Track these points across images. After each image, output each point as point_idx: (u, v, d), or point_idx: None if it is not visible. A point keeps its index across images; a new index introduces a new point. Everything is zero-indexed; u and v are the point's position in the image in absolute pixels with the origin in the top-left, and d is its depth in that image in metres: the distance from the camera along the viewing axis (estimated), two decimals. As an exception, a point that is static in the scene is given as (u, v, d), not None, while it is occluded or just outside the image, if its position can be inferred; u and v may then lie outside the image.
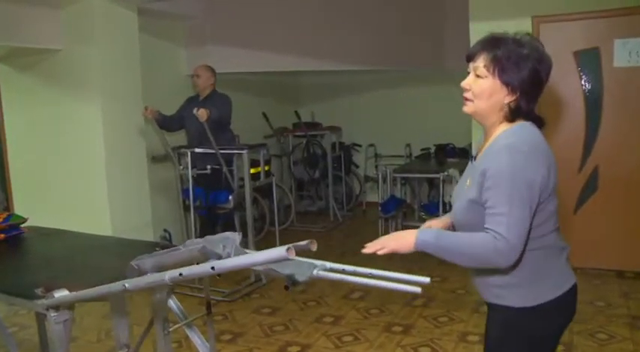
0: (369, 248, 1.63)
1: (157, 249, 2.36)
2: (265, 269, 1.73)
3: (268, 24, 5.70)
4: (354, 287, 4.36)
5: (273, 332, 3.74)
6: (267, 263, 1.44)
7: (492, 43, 1.61)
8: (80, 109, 4.52)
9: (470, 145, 5.73)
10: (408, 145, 7.10)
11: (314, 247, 1.32)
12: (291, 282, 1.65)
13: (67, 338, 1.82)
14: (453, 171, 5.19)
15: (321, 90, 8.02)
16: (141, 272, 1.73)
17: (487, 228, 1.52)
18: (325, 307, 4.14)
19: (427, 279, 1.43)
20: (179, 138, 5.04)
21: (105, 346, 3.55)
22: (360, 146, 7.61)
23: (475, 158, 1.73)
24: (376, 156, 7.53)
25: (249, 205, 4.56)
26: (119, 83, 4.56)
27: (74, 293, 1.71)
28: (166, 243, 4.17)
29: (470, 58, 1.65)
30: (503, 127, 1.64)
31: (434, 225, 1.81)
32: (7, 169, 5.10)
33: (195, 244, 1.62)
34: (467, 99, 1.66)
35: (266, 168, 4.95)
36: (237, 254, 1.61)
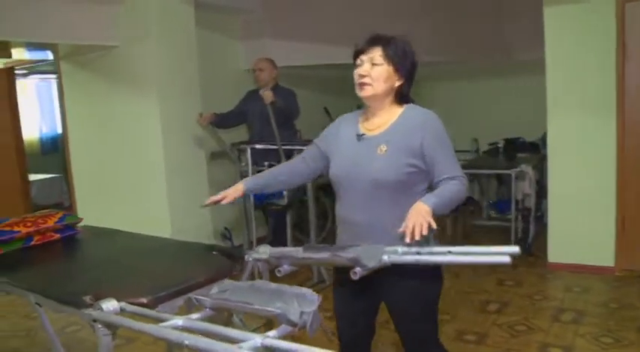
0: (409, 235, 1.71)
1: (214, 252, 2.21)
2: (330, 257, 1.70)
3: (328, 15, 5.48)
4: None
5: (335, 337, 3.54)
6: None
7: (384, 38, 1.98)
8: (137, 106, 4.45)
9: (542, 138, 5.38)
10: (475, 140, 6.74)
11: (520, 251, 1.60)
12: (359, 268, 1.60)
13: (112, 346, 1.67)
14: (525, 167, 4.85)
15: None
16: (198, 308, 1.57)
17: (449, 177, 1.92)
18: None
19: (516, 248, 1.59)
20: (235, 135, 4.91)
21: (160, 347, 3.43)
22: (424, 140, 7.29)
23: (362, 135, 2.02)
24: (441, 151, 7.20)
25: (312, 202, 4.39)
26: (176, 79, 4.45)
27: (121, 319, 1.55)
28: (223, 247, 4.05)
29: (361, 52, 1.99)
30: (399, 107, 2.03)
31: None
32: (70, 165, 5.11)
33: (242, 294, 1.48)
34: (365, 83, 1.96)
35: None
36: (313, 321, 1.37)
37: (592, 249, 4.39)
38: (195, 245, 2.47)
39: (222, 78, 5.33)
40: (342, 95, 7.32)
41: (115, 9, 4.40)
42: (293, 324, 1.37)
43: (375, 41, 1.98)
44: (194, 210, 4.57)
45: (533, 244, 4.99)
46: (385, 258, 1.66)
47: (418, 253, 1.69)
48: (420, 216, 1.74)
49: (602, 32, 4.15)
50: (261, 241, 5.11)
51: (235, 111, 4.64)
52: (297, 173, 2.23)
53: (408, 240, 1.70)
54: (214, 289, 1.60)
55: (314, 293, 1.45)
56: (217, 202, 2.08)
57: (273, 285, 1.50)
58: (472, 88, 7.04)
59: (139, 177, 4.54)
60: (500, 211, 5.56)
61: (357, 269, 1.60)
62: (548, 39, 4.33)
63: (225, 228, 5.35)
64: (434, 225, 1.75)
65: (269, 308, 1.40)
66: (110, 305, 1.60)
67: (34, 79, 8.65)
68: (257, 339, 1.24)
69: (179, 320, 1.42)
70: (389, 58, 1.95)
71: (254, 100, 4.47)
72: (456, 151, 6.49)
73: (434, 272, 2.03)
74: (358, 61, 2.00)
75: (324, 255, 1.70)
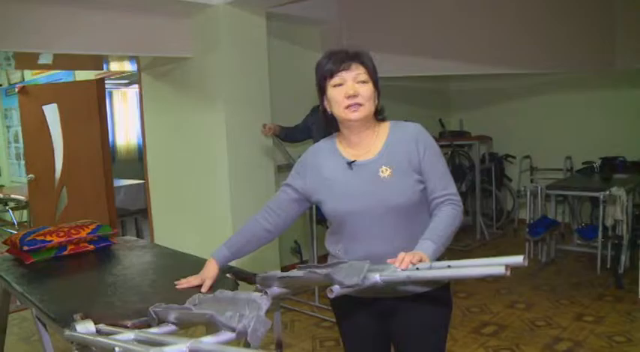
0: (399, 264, 1.54)
1: (228, 275, 2.12)
2: (306, 274, 1.55)
3: (410, 25, 5.28)
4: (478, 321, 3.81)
5: None
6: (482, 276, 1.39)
7: (360, 54, 1.80)
8: (206, 115, 4.49)
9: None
10: (569, 158, 6.28)
11: (526, 263, 1.33)
12: (337, 286, 1.46)
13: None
14: (616, 190, 4.38)
15: (472, 97, 7.42)
16: (160, 320, 1.52)
17: (440, 195, 1.78)
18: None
19: (520, 258, 1.35)
20: (303, 149, 4.82)
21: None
22: (514, 157, 6.88)
23: (354, 162, 1.82)
24: (532, 169, 6.76)
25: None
26: (245, 91, 4.44)
27: (92, 340, 1.48)
28: (239, 269, 4.00)
29: (337, 71, 1.77)
30: (382, 125, 1.88)
31: None
32: (147, 174, 5.26)
33: (205, 306, 1.39)
34: (359, 104, 1.77)
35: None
36: (257, 326, 1.27)
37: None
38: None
39: (299, 89, 5.27)
40: (427, 108, 7.11)
41: (190, 21, 4.48)
42: (231, 329, 1.29)
43: (355, 57, 1.79)
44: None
45: (626, 276, 4.50)
46: (377, 276, 1.49)
47: (417, 269, 1.51)
48: (414, 255, 1.56)
49: None
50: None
51: (301, 126, 4.56)
52: (262, 235, 1.95)
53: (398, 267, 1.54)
54: (186, 303, 1.54)
55: (263, 297, 1.38)
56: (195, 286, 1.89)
57: (230, 293, 1.46)
58: (568, 101, 6.53)
59: (206, 186, 4.57)
60: (586, 237, 5.07)
61: (335, 287, 1.44)
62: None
63: (295, 242, 5.29)
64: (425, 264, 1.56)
65: (200, 312, 1.36)
66: (84, 327, 1.54)
67: (135, 88, 9.12)
68: (181, 345, 1.19)
69: (131, 334, 1.39)
70: (371, 74, 1.80)
71: (318, 115, 4.36)
72: (546, 169, 6.18)
73: (446, 297, 1.90)
74: (337, 80, 1.78)
75: (298, 273, 1.55)
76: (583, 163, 5.97)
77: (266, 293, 1.66)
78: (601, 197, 4.52)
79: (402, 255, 1.55)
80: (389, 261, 1.55)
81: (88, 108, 5.80)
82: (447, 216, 1.76)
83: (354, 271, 1.47)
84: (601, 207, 4.56)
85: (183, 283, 1.91)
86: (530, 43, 5.34)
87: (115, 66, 6.51)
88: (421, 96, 6.99)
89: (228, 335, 1.29)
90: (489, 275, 1.37)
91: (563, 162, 6.25)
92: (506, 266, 1.28)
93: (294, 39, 5.34)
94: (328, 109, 1.86)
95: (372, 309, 1.89)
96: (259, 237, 1.96)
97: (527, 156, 6.76)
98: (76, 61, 5.56)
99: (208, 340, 1.27)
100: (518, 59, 5.46)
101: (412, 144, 1.80)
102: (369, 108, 1.79)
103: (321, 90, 1.86)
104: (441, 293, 1.86)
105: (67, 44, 3.99)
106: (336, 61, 1.78)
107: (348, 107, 1.77)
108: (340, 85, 1.78)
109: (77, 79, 7.40)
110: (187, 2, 4.15)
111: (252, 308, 1.31)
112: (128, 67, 5.89)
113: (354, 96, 1.76)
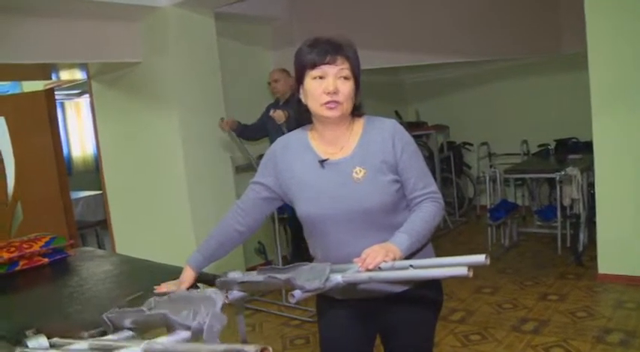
0: (362, 264, 1.49)
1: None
2: (266, 279, 1.48)
3: (360, 19, 5.29)
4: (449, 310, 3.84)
5: None
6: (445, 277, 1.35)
7: (345, 46, 1.68)
8: (159, 120, 4.43)
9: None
10: (525, 142, 6.38)
11: (488, 261, 1.32)
12: (298, 291, 1.39)
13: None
14: (571, 170, 4.47)
15: (426, 88, 7.50)
16: (115, 327, 1.47)
17: (421, 194, 1.73)
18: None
19: (482, 257, 1.32)
20: (262, 147, 4.79)
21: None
22: (471, 145, 6.97)
23: (326, 160, 1.74)
24: (489, 155, 6.86)
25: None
26: (198, 93, 4.39)
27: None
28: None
29: (320, 63, 1.65)
30: (356, 121, 1.77)
31: None
32: (105, 185, 5.15)
33: (161, 307, 1.35)
34: (337, 102, 1.66)
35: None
36: (212, 322, 1.24)
37: (648, 259, 3.98)
38: (177, 270, 2.33)
39: (252, 88, 5.24)
40: (382, 101, 7.14)
41: (137, 25, 4.40)
42: (186, 327, 1.25)
43: (341, 50, 1.67)
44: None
45: (585, 254, 4.60)
46: (339, 277, 1.46)
47: (379, 268, 1.48)
48: (382, 250, 1.51)
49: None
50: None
51: (257, 124, 4.53)
52: (234, 236, 1.87)
53: (361, 268, 1.48)
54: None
55: (218, 292, 1.35)
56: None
57: (185, 293, 1.45)
58: (520, 87, 6.64)
59: (164, 192, 4.51)
60: (545, 218, 5.17)
61: (296, 292, 1.39)
62: (589, 28, 3.98)
63: (259, 242, 5.24)
64: (396, 261, 1.51)
65: (154, 312, 1.34)
66: (37, 342, 1.48)
67: (88, 97, 8.92)
68: (135, 347, 1.17)
69: (85, 344, 1.34)
70: (354, 70, 1.69)
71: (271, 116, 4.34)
72: (504, 154, 6.23)
73: (435, 291, 1.84)
74: (318, 72, 1.65)
75: (258, 278, 1.52)
76: (538, 146, 6.09)
77: (227, 295, 1.63)
78: (557, 178, 4.61)
79: (367, 251, 1.50)
80: (355, 259, 1.51)
81: (39, 120, 5.66)
82: (427, 212, 1.71)
83: (315, 274, 1.44)
84: (558, 188, 4.66)
85: (162, 287, 1.85)
86: (478, 32, 5.43)
87: (65, 75, 6.35)
88: (376, 89, 7.00)
89: (183, 334, 1.26)
90: (452, 277, 1.31)
91: (519, 147, 6.36)
92: (469, 268, 1.26)
93: (245, 38, 5.29)
94: (303, 100, 1.75)
95: (355, 310, 1.84)
96: (231, 239, 1.89)
97: (485, 143, 6.86)
98: (22, 71, 5.40)
99: (163, 340, 1.23)
100: (468, 48, 5.54)
101: (388, 142, 1.72)
102: (347, 107, 1.69)
103: (299, 80, 1.74)
104: (426, 291, 1.80)
105: (10, 54, 3.86)
106: (321, 51, 1.65)
107: (325, 104, 1.66)
108: (321, 78, 1.66)
109: (25, 90, 7.18)
110: (134, 5, 4.07)
111: (207, 305, 1.27)
112: (79, 75, 5.74)
113: (334, 93, 1.65)
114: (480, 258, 1.32)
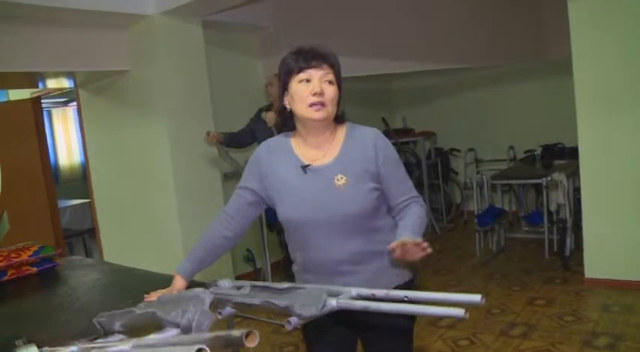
0: (399, 252, 1.59)
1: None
2: (263, 304, 1.50)
3: (347, 27, 5.32)
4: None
5: None
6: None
7: (329, 55, 1.76)
8: (147, 130, 4.41)
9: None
10: (512, 147, 6.45)
11: (483, 302, 1.29)
12: (294, 318, 1.38)
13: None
14: (557, 176, 4.52)
15: (413, 95, 7.54)
16: (106, 331, 1.47)
17: (407, 198, 1.80)
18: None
19: (478, 297, 1.28)
20: (249, 154, 4.79)
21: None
22: (458, 151, 7.03)
23: (308, 166, 1.77)
24: (477, 161, 6.91)
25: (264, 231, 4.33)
26: (186, 100, 4.38)
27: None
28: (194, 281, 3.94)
29: (306, 68, 1.71)
30: (339, 128, 1.82)
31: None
32: (92, 193, 5.13)
33: (150, 309, 1.35)
34: (323, 104, 1.71)
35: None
36: (201, 319, 1.25)
37: (633, 263, 4.02)
38: (167, 278, 2.33)
39: (241, 96, 5.24)
40: (369, 108, 7.16)
41: (125, 33, 4.39)
42: (175, 325, 1.27)
43: (325, 57, 1.74)
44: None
45: (572, 258, 4.65)
46: (333, 302, 1.45)
47: (373, 295, 1.48)
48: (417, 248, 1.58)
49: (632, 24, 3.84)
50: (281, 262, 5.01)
51: (246, 130, 4.52)
52: (222, 243, 1.89)
53: (396, 255, 1.58)
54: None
55: (206, 291, 1.36)
56: None
57: (174, 295, 1.43)
58: (507, 94, 6.71)
59: (153, 200, 4.49)
60: (532, 223, 5.22)
61: (292, 318, 1.39)
62: (573, 35, 4.04)
63: (248, 250, 5.24)
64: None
65: (143, 311, 1.36)
66: (28, 351, 1.47)
67: (75, 106, 8.87)
68: (125, 344, 1.20)
69: (74, 348, 1.35)
70: (337, 76, 1.75)
71: (261, 120, 4.34)
72: (491, 161, 6.28)
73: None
74: (304, 76, 1.71)
75: (255, 301, 1.53)
76: (525, 152, 6.15)
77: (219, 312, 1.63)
78: (544, 183, 4.65)
79: (408, 245, 1.56)
80: (392, 244, 1.58)
81: (25, 128, 5.62)
82: (417, 212, 1.77)
83: (312, 300, 1.43)
84: (544, 193, 4.71)
85: (152, 296, 1.85)
86: (463, 39, 5.48)
87: (52, 83, 6.33)
88: (363, 96, 7.03)
89: (172, 332, 1.27)
90: (448, 316, 1.32)
91: (506, 153, 6.42)
92: (465, 310, 1.25)
93: (233, 46, 5.30)
94: (288, 106, 1.79)
95: (337, 317, 1.86)
96: (219, 246, 1.90)
97: (472, 149, 6.91)
98: (8, 79, 5.38)
99: (152, 337, 1.25)
100: (453, 55, 5.60)
101: (370, 151, 1.76)
102: (331, 110, 1.73)
103: (284, 86, 1.79)
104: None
105: (-4, 63, 3.85)
106: (306, 58, 1.72)
107: (312, 105, 1.70)
108: (307, 81, 1.71)
109: (11, 98, 7.14)
110: (122, 14, 4.06)
111: (195, 304, 1.29)
112: (66, 83, 5.73)
113: (320, 94, 1.70)
114: (475, 298, 1.31)
